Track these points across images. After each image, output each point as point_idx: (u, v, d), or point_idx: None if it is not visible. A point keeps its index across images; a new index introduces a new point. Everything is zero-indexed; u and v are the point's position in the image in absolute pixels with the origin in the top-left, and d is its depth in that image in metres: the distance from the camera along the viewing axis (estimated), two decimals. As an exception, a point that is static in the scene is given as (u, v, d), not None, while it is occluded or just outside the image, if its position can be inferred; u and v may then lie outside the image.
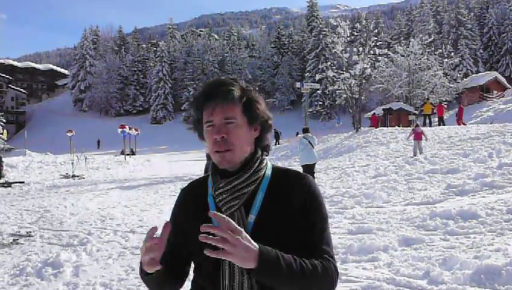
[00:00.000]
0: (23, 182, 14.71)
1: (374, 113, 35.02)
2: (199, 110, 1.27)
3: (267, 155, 1.35)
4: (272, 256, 1.09)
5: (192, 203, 1.34)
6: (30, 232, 6.92)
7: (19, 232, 7.03)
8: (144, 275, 1.24)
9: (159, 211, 8.53)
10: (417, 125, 14.22)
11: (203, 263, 1.27)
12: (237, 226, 1.05)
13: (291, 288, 1.15)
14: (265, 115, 1.30)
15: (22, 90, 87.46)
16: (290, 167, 1.42)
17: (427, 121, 25.75)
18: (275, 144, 31.43)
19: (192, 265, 1.37)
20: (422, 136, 13.29)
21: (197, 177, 1.48)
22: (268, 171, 1.31)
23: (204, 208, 1.28)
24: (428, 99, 28.55)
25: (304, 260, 1.15)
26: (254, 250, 1.06)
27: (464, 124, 22.55)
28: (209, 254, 1.02)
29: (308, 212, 1.25)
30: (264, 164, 1.30)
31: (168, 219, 1.41)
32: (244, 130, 1.25)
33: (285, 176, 1.31)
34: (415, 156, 12.79)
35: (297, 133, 31.23)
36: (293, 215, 1.24)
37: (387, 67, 38.63)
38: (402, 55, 37.82)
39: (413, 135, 13.64)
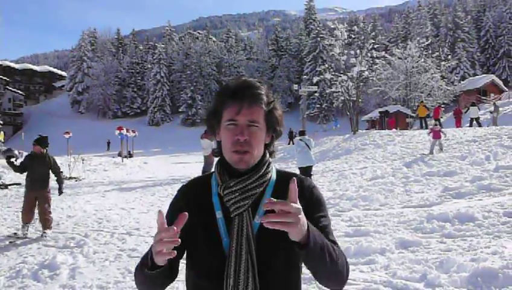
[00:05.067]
0: (19, 184, 14.63)
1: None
2: (221, 106, 1.28)
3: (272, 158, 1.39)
4: (315, 229, 1.12)
5: (194, 200, 1.32)
6: (27, 234, 6.88)
7: (16, 234, 7.00)
8: (148, 269, 1.14)
9: (156, 213, 8.51)
10: (436, 125, 14.28)
11: (202, 262, 1.26)
12: (293, 203, 1.02)
13: (331, 264, 1.15)
14: (281, 124, 1.33)
15: (19, 91, 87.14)
16: (287, 170, 1.43)
17: (423, 123, 25.65)
18: (288, 143, 31.55)
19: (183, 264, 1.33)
20: (441, 134, 13.43)
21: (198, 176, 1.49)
22: (274, 175, 1.33)
23: (208, 207, 1.28)
24: (421, 102, 28.53)
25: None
26: (305, 222, 1.07)
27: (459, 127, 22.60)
28: (268, 224, 0.99)
29: (313, 210, 1.27)
30: (271, 167, 1.33)
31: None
32: (263, 135, 1.28)
33: (289, 179, 1.32)
34: (431, 153, 12.88)
35: (295, 136, 31.33)
36: None
37: (384, 70, 38.79)
38: (399, 58, 37.99)
39: (432, 134, 13.81)
